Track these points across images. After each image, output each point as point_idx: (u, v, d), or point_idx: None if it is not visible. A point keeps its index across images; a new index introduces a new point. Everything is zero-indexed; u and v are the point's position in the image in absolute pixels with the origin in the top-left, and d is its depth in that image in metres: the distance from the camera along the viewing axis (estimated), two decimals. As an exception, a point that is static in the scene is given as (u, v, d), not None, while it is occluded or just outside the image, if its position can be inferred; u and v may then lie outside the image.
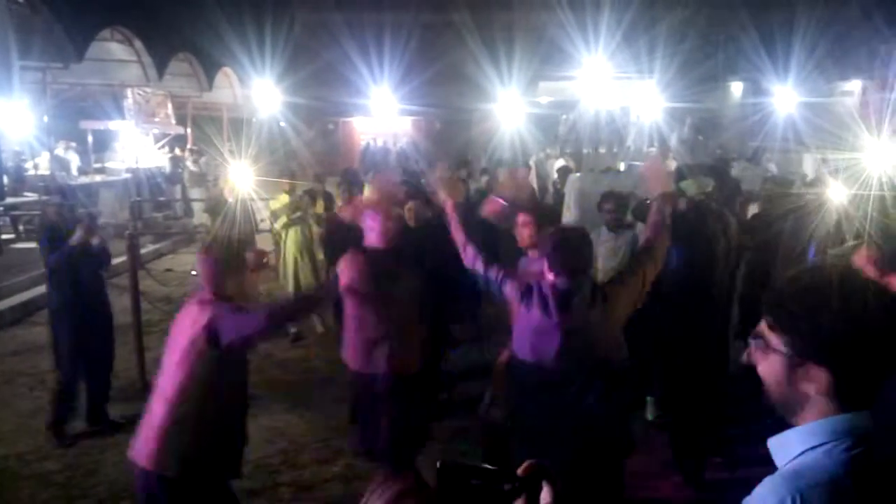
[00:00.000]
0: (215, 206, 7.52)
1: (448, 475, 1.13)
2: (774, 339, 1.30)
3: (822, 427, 1.26)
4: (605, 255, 5.32)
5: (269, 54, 17.86)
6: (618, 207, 5.34)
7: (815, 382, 1.26)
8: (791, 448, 1.29)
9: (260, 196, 7.61)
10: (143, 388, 5.80)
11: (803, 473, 1.23)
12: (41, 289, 8.77)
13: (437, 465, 1.14)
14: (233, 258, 3.04)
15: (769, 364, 1.32)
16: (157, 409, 2.92)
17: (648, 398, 5.31)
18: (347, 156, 25.85)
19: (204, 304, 2.93)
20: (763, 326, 1.34)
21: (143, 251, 10.87)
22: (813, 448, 1.26)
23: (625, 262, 5.18)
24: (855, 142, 6.91)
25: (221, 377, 2.91)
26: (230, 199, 7.19)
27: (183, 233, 13.43)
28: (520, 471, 1.13)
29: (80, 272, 5.00)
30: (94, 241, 4.98)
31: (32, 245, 9.72)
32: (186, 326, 2.90)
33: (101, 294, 5.34)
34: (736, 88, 21.44)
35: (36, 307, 8.27)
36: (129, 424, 4.68)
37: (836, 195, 4.99)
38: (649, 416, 5.27)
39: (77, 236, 4.84)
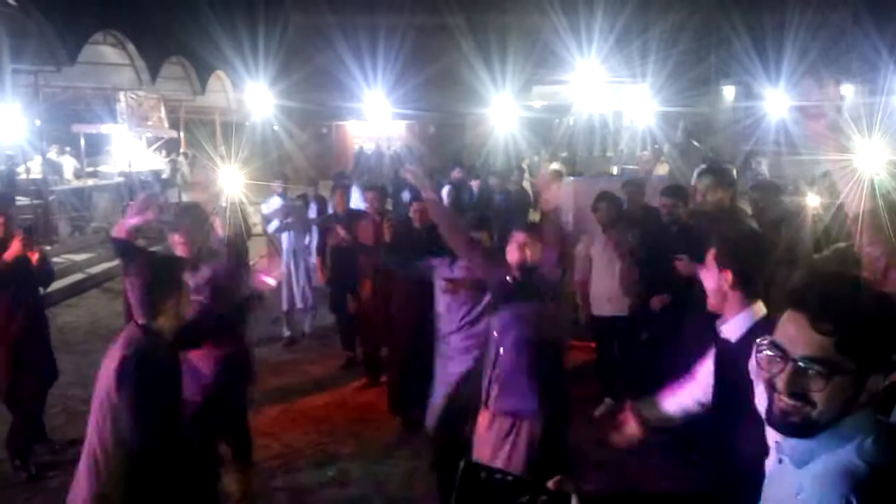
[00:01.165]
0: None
1: (472, 474, 1.11)
2: (837, 358, 1.29)
3: (848, 424, 1.31)
4: (599, 257, 5.34)
5: (262, 58, 17.85)
6: (611, 209, 5.36)
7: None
8: (816, 447, 1.33)
9: (250, 200, 7.61)
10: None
11: (849, 472, 1.27)
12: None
13: (462, 463, 1.13)
14: (167, 280, 2.68)
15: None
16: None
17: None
18: (341, 159, 25.82)
19: (122, 340, 2.61)
20: (822, 350, 1.32)
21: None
22: (840, 447, 1.30)
23: (620, 265, 5.22)
24: (846, 145, 6.94)
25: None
26: (221, 204, 7.16)
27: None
28: (550, 484, 1.12)
29: (15, 291, 4.50)
30: (33, 256, 4.50)
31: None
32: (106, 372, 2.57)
33: (37, 315, 4.83)
34: (728, 92, 21.54)
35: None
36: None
37: (825, 200, 5.02)
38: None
39: (13, 250, 4.37)
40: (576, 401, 5.66)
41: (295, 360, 6.71)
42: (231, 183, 7.21)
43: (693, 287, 4.53)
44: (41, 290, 5.00)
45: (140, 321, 2.64)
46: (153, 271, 2.68)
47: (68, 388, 6.14)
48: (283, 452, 4.86)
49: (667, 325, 4.96)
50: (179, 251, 3.69)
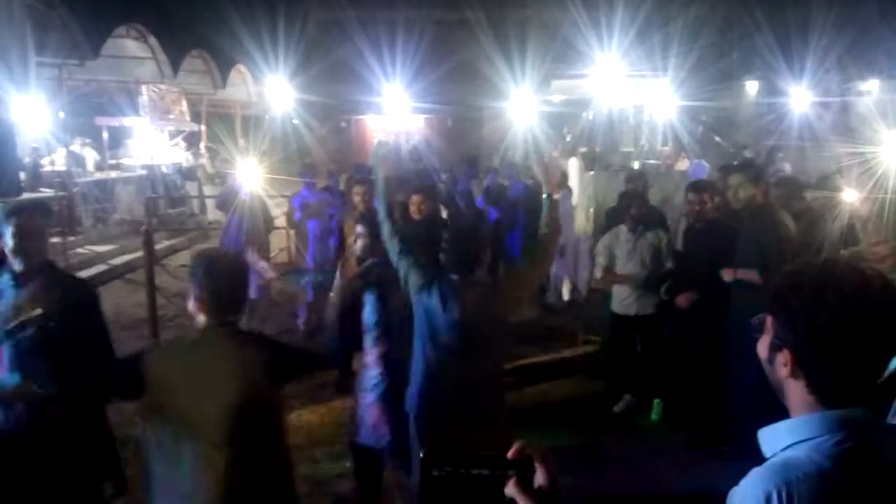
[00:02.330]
0: (226, 202, 7.55)
1: (433, 462, 1.07)
2: (769, 320, 1.37)
3: (813, 420, 1.27)
4: (625, 255, 5.29)
5: (282, 51, 17.93)
6: (637, 207, 5.31)
7: (786, 367, 1.32)
8: (780, 440, 1.30)
9: (269, 193, 7.66)
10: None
11: (790, 465, 1.23)
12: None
13: (422, 452, 1.08)
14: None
15: (761, 343, 1.40)
16: None
17: (656, 400, 5.32)
18: (359, 153, 25.85)
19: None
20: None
21: (157, 247, 10.95)
22: (803, 441, 1.26)
23: (646, 262, 5.19)
24: (872, 140, 6.86)
25: None
26: (243, 196, 7.20)
27: (198, 229, 13.51)
28: (510, 454, 1.07)
29: None
30: None
31: (50, 240, 9.82)
32: None
33: None
34: (751, 87, 21.30)
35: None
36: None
37: (849, 196, 4.96)
38: (654, 417, 5.28)
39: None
40: (595, 397, 5.69)
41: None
42: (251, 176, 7.27)
43: (726, 288, 4.51)
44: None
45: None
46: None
47: (91, 378, 6.22)
48: (302, 444, 4.89)
49: (691, 323, 4.94)
50: None
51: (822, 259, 1.41)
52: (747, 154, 12.34)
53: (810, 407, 1.29)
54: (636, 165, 11.96)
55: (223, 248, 6.06)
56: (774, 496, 1.20)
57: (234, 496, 2.39)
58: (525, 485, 1.03)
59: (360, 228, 3.88)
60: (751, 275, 4.38)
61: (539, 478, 1.04)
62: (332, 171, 8.71)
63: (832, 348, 1.26)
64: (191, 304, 2.50)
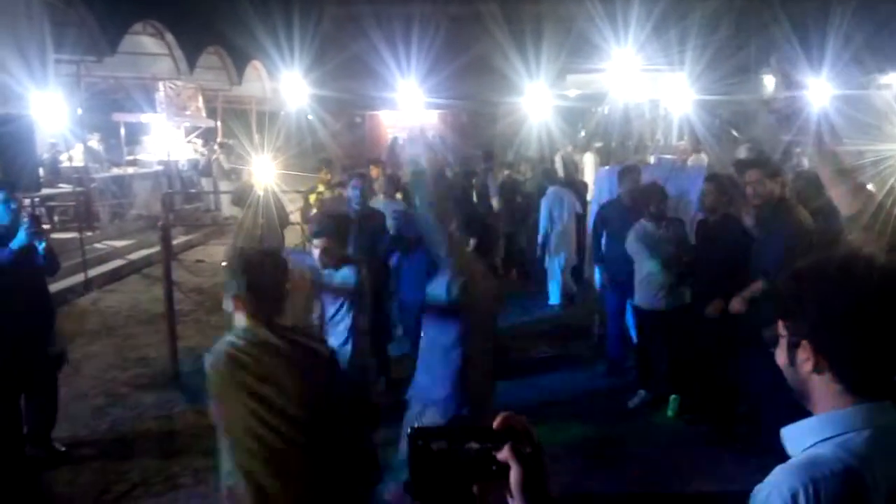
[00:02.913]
0: (241, 198, 7.59)
1: (419, 439, 1.09)
2: (780, 324, 1.34)
3: (839, 417, 1.25)
4: (645, 250, 5.24)
5: (297, 47, 17.97)
6: (658, 201, 5.27)
7: (808, 362, 1.28)
8: (806, 437, 1.28)
9: (283, 189, 7.67)
10: (175, 377, 5.92)
11: (817, 463, 1.21)
12: (78, 277, 8.98)
13: (408, 430, 1.10)
14: None
15: (779, 350, 1.36)
16: None
17: (672, 396, 5.29)
18: (374, 149, 25.88)
19: None
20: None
21: (174, 242, 11.03)
22: (828, 438, 1.24)
23: (668, 255, 5.15)
24: (891, 135, 6.75)
25: None
26: (258, 191, 7.24)
27: (213, 224, 13.61)
28: (496, 425, 1.10)
29: (22, 280, 4.35)
30: (40, 245, 4.35)
31: (68, 235, 9.94)
32: None
33: (45, 304, 4.73)
34: (768, 81, 21.06)
35: (74, 294, 8.45)
36: (75, 448, 4.74)
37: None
38: (670, 413, 5.25)
39: (20, 239, 4.21)
40: (611, 392, 5.67)
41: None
42: (266, 172, 7.31)
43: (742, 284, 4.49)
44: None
45: None
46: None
47: (108, 371, 6.30)
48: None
49: (707, 320, 4.91)
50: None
51: (818, 254, 1.37)
52: (742, 153, 12.19)
53: (835, 401, 1.26)
54: (652, 160, 11.87)
55: (258, 247, 6.12)
56: (801, 495, 1.18)
57: (313, 491, 2.43)
58: (517, 451, 1.07)
59: (317, 242, 3.89)
60: (756, 287, 4.36)
61: (525, 446, 1.09)
62: (347, 167, 8.70)
63: (850, 327, 1.24)
64: (230, 303, 2.49)
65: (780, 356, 1.36)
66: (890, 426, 1.23)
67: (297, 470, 2.40)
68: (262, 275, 2.47)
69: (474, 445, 1.08)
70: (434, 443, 1.08)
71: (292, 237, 9.04)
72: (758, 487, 1.26)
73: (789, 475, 1.22)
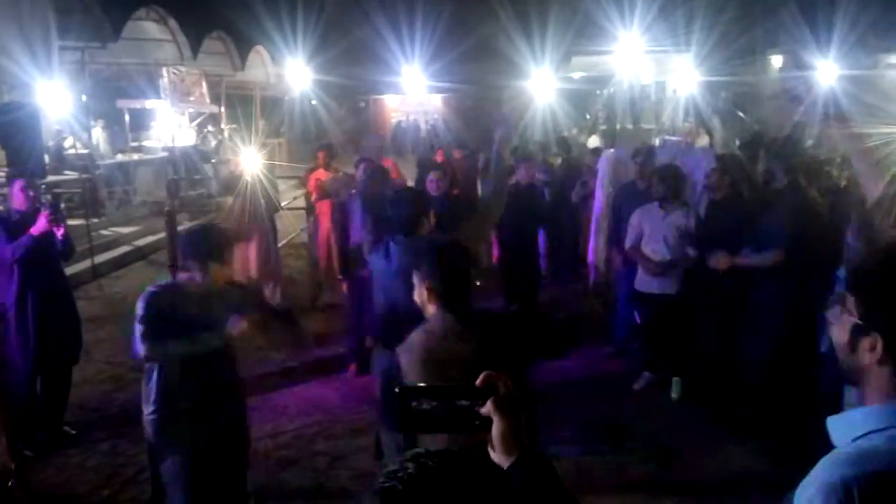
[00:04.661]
0: (229, 186, 7.58)
1: (407, 398, 1.15)
2: (850, 303, 1.28)
3: (888, 410, 1.20)
4: (652, 232, 5.24)
5: (301, 32, 17.91)
6: (665, 182, 5.24)
7: (874, 351, 1.22)
8: (854, 428, 1.23)
9: (279, 175, 7.64)
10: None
11: (868, 456, 1.16)
12: (85, 264, 9.02)
13: (396, 389, 1.17)
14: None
15: (840, 327, 1.30)
16: None
17: (675, 378, 5.31)
18: (378, 133, 25.84)
19: None
20: (844, 291, 1.32)
21: (180, 228, 11.06)
22: (878, 431, 1.19)
23: (668, 241, 5.14)
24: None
25: None
26: (246, 178, 7.17)
27: (218, 210, 13.62)
28: (479, 382, 1.17)
29: (42, 265, 4.48)
30: (59, 231, 4.44)
31: (74, 222, 9.96)
32: None
33: (63, 289, 4.84)
34: (776, 62, 20.87)
35: (79, 281, 8.48)
36: (84, 432, 4.82)
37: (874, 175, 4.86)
38: (674, 395, 5.27)
39: (40, 225, 4.28)
40: (616, 374, 5.69)
41: (338, 332, 6.78)
42: (254, 159, 7.28)
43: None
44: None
45: None
46: None
47: (116, 357, 6.34)
48: (323, 420, 4.96)
49: (710, 302, 4.92)
50: None
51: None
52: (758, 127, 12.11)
53: (890, 394, 1.22)
54: (657, 142, 11.81)
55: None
56: (854, 488, 1.12)
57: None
58: (498, 405, 1.14)
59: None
60: (759, 260, 4.37)
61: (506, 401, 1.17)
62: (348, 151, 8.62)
63: None
64: (421, 295, 2.57)
65: (840, 335, 1.30)
66: None
67: None
68: (449, 266, 2.58)
69: (464, 403, 1.15)
70: (421, 402, 1.15)
71: (297, 222, 9.06)
72: (805, 482, 1.21)
73: (840, 467, 1.16)
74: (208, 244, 3.17)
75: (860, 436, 1.21)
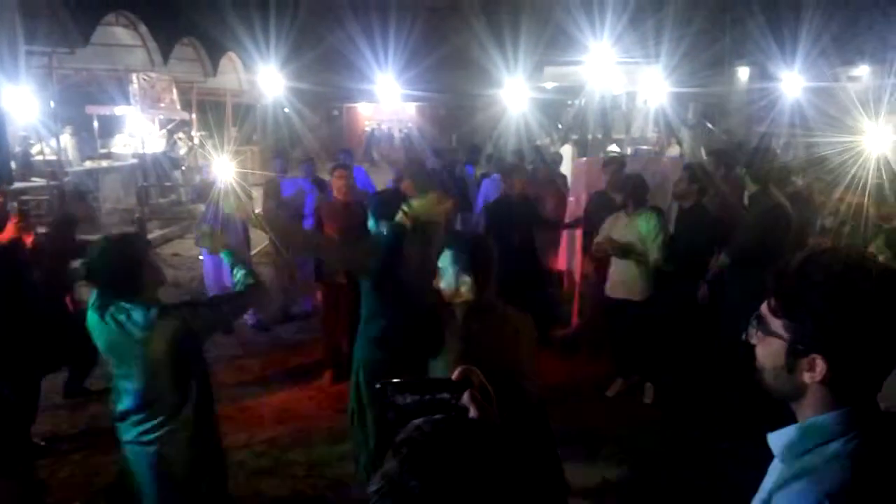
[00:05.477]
0: (201, 195, 7.54)
1: (386, 393, 1.20)
2: (776, 324, 1.27)
3: (830, 421, 1.23)
4: (619, 238, 5.31)
5: (273, 39, 17.80)
6: (626, 190, 5.33)
7: (814, 372, 1.21)
8: (800, 444, 1.25)
9: (252, 183, 7.61)
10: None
11: (825, 475, 1.18)
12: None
13: (377, 385, 1.21)
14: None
15: (768, 348, 1.28)
16: None
17: (647, 384, 5.39)
18: (352, 141, 25.80)
19: None
20: (765, 309, 1.30)
21: (150, 236, 10.93)
22: (819, 445, 1.22)
23: (643, 245, 5.22)
24: (855, 127, 6.91)
25: None
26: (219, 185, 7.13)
27: (190, 218, 13.47)
28: (456, 376, 1.24)
29: (11, 273, 4.40)
30: (27, 238, 4.41)
31: (41, 230, 9.78)
32: None
33: (33, 298, 4.67)
34: (742, 73, 21.33)
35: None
36: (55, 443, 4.76)
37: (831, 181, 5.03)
38: (647, 399, 5.35)
39: (6, 233, 4.24)
40: (589, 379, 5.75)
41: (312, 339, 6.76)
42: (226, 168, 7.24)
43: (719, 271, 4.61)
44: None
45: None
46: None
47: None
48: (300, 427, 4.94)
49: (683, 306, 5.00)
50: None
51: (824, 248, 1.29)
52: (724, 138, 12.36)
53: (828, 407, 1.23)
54: (629, 151, 11.98)
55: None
56: None
57: None
58: (473, 397, 1.20)
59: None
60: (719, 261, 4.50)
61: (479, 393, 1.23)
62: (307, 160, 8.56)
63: (869, 348, 1.20)
64: (465, 286, 2.66)
65: (768, 356, 1.28)
66: (878, 423, 1.22)
67: None
68: (488, 258, 2.75)
69: (445, 396, 1.20)
70: (400, 395, 1.20)
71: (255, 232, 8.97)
72: None
73: (804, 492, 1.19)
74: None
75: (803, 452, 1.24)
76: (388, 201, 3.88)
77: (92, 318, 2.86)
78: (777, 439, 1.29)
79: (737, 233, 4.69)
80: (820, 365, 1.21)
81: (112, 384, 2.98)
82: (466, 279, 2.62)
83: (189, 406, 2.95)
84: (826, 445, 1.21)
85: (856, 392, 1.23)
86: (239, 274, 3.21)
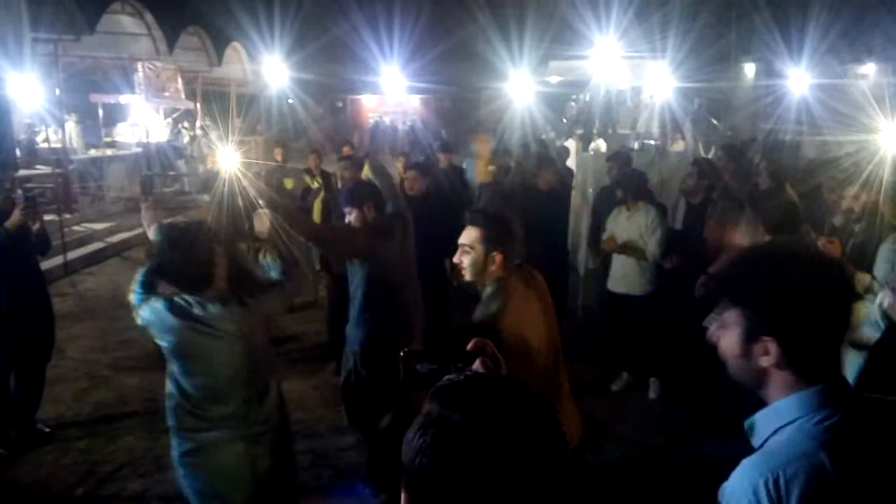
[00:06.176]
0: (206, 185, 7.53)
1: (411, 361, 1.31)
2: (730, 314, 1.34)
3: (791, 403, 1.27)
4: (620, 233, 5.31)
5: (278, 29, 17.77)
6: (637, 184, 5.31)
7: (769, 356, 1.28)
8: (764, 429, 1.29)
9: (255, 173, 7.57)
10: (159, 360, 5.89)
11: (776, 452, 1.23)
12: (57, 260, 8.87)
13: (402, 353, 1.32)
14: None
15: (727, 340, 1.35)
16: None
17: (652, 379, 5.38)
18: (355, 133, 25.75)
19: None
20: (721, 304, 1.37)
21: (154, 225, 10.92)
22: (784, 426, 1.26)
23: (643, 239, 5.21)
24: (867, 125, 6.88)
25: None
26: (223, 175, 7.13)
27: (194, 207, 13.47)
28: (470, 347, 1.35)
29: (16, 259, 4.41)
30: (35, 225, 4.41)
31: (46, 217, 9.78)
32: None
33: (39, 283, 4.75)
34: (748, 69, 21.24)
35: (52, 278, 8.33)
36: (59, 430, 4.75)
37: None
38: (652, 395, 5.34)
39: (14, 219, 4.22)
40: (594, 375, 5.75)
41: (316, 330, 6.76)
42: (231, 159, 7.23)
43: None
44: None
45: None
46: None
47: (91, 354, 6.27)
48: (305, 419, 4.94)
49: (686, 301, 4.99)
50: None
51: (766, 243, 1.47)
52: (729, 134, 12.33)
53: (790, 389, 1.28)
54: (635, 146, 11.95)
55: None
56: (762, 488, 1.19)
57: None
58: (485, 364, 1.31)
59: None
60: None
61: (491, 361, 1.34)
62: (315, 150, 8.52)
63: (817, 327, 1.27)
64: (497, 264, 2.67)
65: (729, 347, 1.34)
66: (842, 403, 1.25)
67: None
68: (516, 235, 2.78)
69: (460, 364, 1.31)
70: (421, 363, 1.31)
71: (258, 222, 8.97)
72: (723, 486, 1.29)
73: (749, 470, 1.24)
74: None
75: (770, 434, 1.28)
76: (357, 190, 4.00)
77: (159, 314, 2.71)
78: (749, 427, 1.34)
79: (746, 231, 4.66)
80: (773, 348, 1.27)
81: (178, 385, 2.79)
82: (496, 256, 2.63)
83: (272, 396, 2.90)
84: (787, 426, 1.25)
85: (812, 371, 1.27)
86: (269, 260, 3.18)
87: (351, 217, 3.89)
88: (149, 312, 2.74)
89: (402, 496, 0.95)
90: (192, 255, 2.71)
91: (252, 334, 2.76)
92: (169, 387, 2.81)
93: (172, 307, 2.69)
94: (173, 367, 2.78)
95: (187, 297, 2.71)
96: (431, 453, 0.89)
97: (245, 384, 2.79)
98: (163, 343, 2.74)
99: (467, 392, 0.95)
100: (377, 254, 3.76)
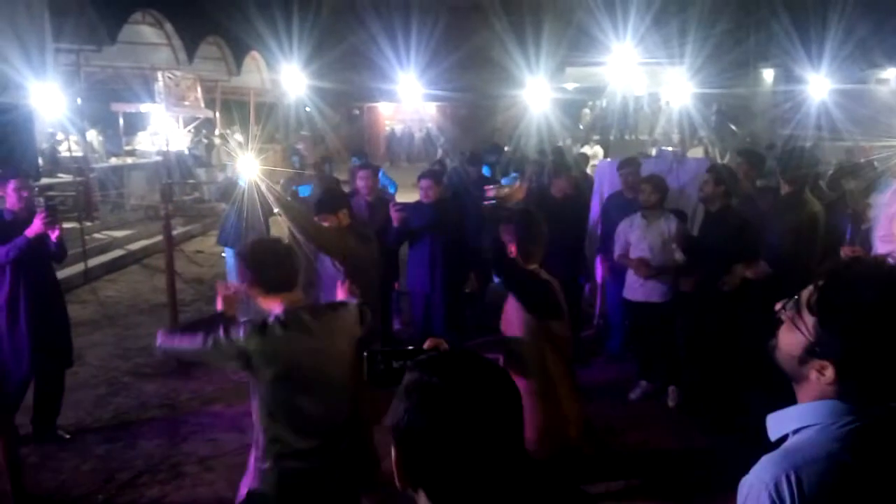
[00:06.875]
0: (226, 193, 7.57)
1: (373, 361, 1.39)
2: (807, 319, 1.28)
3: (822, 407, 1.25)
4: (635, 242, 5.27)
5: (296, 38, 17.93)
6: (654, 192, 5.26)
7: (823, 375, 1.25)
8: (788, 424, 1.29)
9: (275, 180, 7.65)
10: (178, 366, 5.93)
11: (797, 450, 1.22)
12: (78, 267, 8.98)
13: (364, 353, 1.40)
14: None
15: (791, 336, 1.30)
16: None
17: (671, 387, 5.32)
18: (372, 141, 25.88)
19: None
20: (805, 298, 1.30)
21: (174, 233, 11.03)
22: (810, 426, 1.25)
23: (654, 249, 5.17)
24: (890, 130, 6.80)
25: None
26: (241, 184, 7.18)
27: (213, 216, 13.58)
28: (427, 345, 1.48)
29: (35, 267, 4.48)
30: (53, 234, 4.40)
31: (67, 225, 9.91)
32: None
33: (55, 291, 4.81)
34: (767, 75, 21.07)
35: (72, 285, 8.43)
36: (79, 436, 4.79)
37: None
38: (671, 403, 5.29)
39: (35, 227, 4.26)
40: (611, 382, 5.70)
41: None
42: (250, 166, 7.28)
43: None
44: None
45: None
46: None
47: (111, 361, 6.31)
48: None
49: (706, 310, 4.94)
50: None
51: (871, 261, 1.31)
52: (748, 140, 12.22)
53: (824, 393, 1.26)
54: (653, 152, 11.90)
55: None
56: (784, 482, 1.19)
57: None
58: None
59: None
60: (761, 269, 4.43)
61: None
62: (325, 158, 8.59)
63: (880, 365, 1.22)
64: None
65: (789, 343, 1.30)
66: (870, 411, 1.23)
67: None
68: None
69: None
70: (385, 363, 1.40)
71: (278, 230, 9.03)
72: (743, 480, 1.28)
73: (771, 465, 1.23)
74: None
75: (792, 431, 1.28)
76: (330, 197, 4.27)
77: (273, 331, 2.61)
78: (772, 420, 1.33)
79: (767, 238, 4.62)
80: (830, 373, 1.24)
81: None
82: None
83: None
84: (812, 427, 1.25)
85: (855, 397, 1.25)
86: None
87: (326, 224, 4.14)
88: (260, 333, 2.74)
89: (393, 452, 1.11)
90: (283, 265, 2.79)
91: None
92: None
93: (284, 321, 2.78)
94: None
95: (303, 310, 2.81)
96: (416, 411, 1.06)
97: None
98: None
99: (441, 362, 1.14)
100: (358, 254, 4.03)
